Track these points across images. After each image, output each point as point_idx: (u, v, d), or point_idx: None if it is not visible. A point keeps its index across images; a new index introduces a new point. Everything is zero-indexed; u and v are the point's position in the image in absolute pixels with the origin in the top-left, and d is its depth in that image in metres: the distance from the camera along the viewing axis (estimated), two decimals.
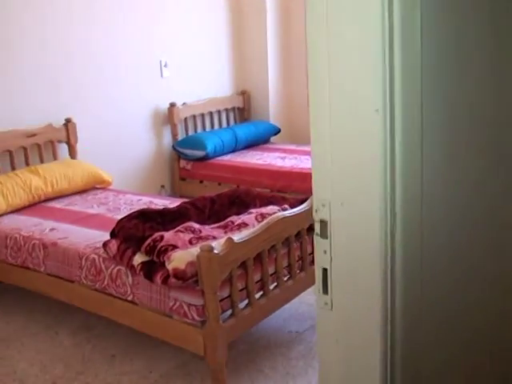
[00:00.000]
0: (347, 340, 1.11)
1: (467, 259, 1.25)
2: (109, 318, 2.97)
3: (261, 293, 2.80)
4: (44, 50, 4.14)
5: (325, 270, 1.09)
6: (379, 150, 0.98)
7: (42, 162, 4.10)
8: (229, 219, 2.95)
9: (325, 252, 1.08)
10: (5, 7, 3.89)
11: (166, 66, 5.00)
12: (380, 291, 1.04)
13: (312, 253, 3.09)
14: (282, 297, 2.92)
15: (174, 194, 5.14)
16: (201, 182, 5.04)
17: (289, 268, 2.95)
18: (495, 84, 1.23)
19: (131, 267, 2.70)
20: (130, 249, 2.72)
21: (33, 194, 3.72)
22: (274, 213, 2.93)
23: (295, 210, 2.94)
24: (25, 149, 4.02)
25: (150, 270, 2.61)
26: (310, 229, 3.05)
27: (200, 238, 2.69)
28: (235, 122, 5.71)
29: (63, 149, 4.32)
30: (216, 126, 5.50)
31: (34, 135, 4.07)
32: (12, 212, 3.62)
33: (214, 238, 2.73)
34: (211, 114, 5.45)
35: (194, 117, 5.29)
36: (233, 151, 5.18)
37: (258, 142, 5.43)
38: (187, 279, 2.48)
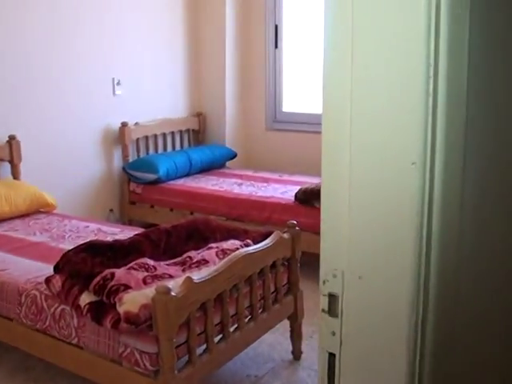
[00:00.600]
0: None
1: None
2: (51, 362, 2.68)
3: (220, 336, 2.57)
4: None
5: (332, 356, 0.88)
6: (413, 211, 0.78)
7: None
8: (186, 255, 2.70)
9: (333, 334, 0.87)
10: None
11: (118, 83, 4.74)
12: None
13: (275, 291, 2.89)
14: (243, 340, 2.69)
15: (122, 218, 4.86)
16: (152, 206, 4.78)
17: (250, 308, 2.73)
18: None
19: (77, 307, 2.42)
20: (76, 286, 2.44)
21: None
22: (237, 248, 2.71)
23: (259, 246, 2.73)
24: None
25: (99, 311, 2.34)
26: (273, 266, 2.85)
27: (155, 277, 2.43)
28: (189, 144, 5.48)
29: (5, 168, 4.01)
30: (169, 149, 5.25)
31: None
32: None
33: (171, 276, 2.48)
34: (164, 135, 5.20)
35: (147, 138, 5.03)
36: (186, 175, 4.94)
37: (214, 166, 5.20)
38: (140, 324, 2.23)
